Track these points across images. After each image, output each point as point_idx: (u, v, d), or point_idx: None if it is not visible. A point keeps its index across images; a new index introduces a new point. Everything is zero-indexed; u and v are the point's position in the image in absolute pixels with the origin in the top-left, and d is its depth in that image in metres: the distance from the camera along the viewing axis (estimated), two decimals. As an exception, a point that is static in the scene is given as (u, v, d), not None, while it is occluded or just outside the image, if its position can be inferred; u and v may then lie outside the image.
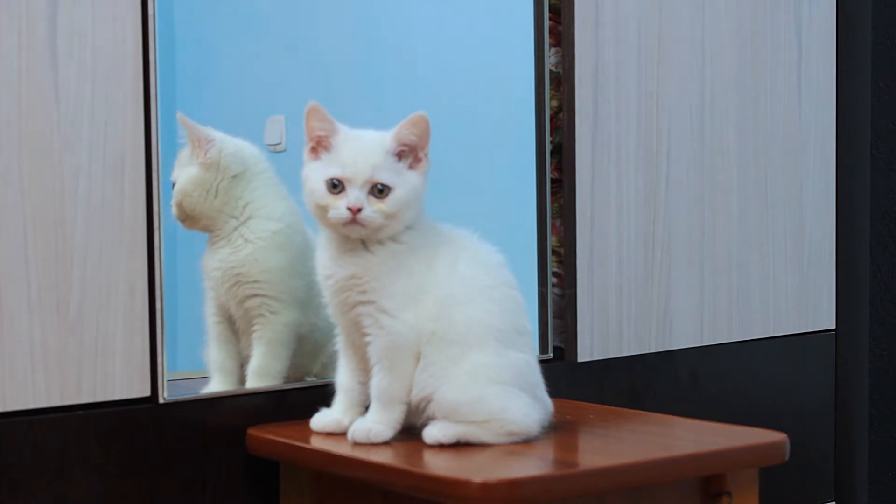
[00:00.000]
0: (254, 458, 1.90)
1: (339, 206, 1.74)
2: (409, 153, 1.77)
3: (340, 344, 1.84)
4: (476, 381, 1.74)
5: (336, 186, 1.75)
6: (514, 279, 1.83)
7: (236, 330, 2.01)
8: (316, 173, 1.76)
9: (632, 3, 2.27)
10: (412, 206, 1.76)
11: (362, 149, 1.76)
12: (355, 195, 1.74)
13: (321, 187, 1.76)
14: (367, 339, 1.77)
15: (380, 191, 1.75)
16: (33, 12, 1.74)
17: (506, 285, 1.82)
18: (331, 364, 1.98)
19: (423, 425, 1.77)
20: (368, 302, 1.76)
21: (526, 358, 1.80)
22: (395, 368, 1.76)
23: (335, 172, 1.75)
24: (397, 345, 1.76)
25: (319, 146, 1.77)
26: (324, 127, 1.77)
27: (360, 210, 1.73)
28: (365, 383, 1.80)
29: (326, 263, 1.80)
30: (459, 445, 1.75)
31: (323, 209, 1.76)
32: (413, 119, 1.77)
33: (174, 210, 1.95)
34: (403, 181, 1.76)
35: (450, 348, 1.75)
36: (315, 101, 1.78)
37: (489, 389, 1.75)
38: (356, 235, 1.76)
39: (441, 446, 1.74)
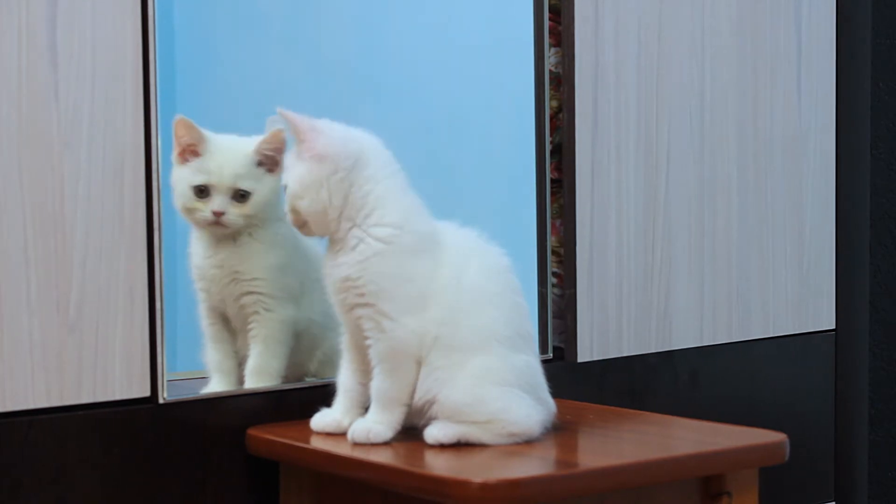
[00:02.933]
0: (254, 458, 1.90)
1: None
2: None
3: (344, 343, 1.84)
4: (479, 383, 1.74)
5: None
6: (518, 284, 1.84)
7: (232, 329, 2.01)
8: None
9: (632, 3, 2.27)
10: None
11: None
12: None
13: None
14: (368, 342, 1.77)
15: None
16: (33, 12, 1.74)
17: (512, 291, 1.82)
18: (328, 362, 1.98)
19: (425, 426, 1.77)
20: (367, 305, 1.76)
21: (528, 360, 1.80)
22: (396, 371, 1.76)
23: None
24: (398, 349, 1.76)
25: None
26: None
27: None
28: (366, 384, 1.80)
29: (323, 262, 1.81)
30: (460, 446, 1.75)
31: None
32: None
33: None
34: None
35: (454, 354, 1.75)
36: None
37: (491, 390, 1.75)
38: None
39: (441, 446, 1.74)
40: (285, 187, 1.80)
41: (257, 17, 2.10)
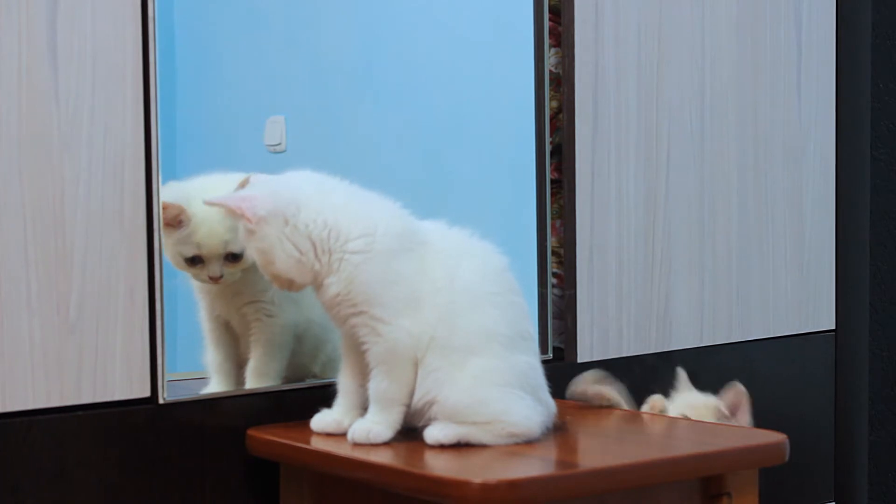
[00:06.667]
0: (254, 459, 1.90)
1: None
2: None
3: (342, 346, 1.84)
4: (479, 384, 1.75)
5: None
6: (517, 284, 1.83)
7: (233, 333, 2.01)
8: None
9: (632, 3, 2.27)
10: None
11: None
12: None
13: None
14: (364, 347, 1.77)
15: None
16: (33, 12, 1.74)
17: (510, 292, 1.82)
18: (331, 363, 1.98)
19: (425, 427, 1.77)
20: (361, 313, 1.77)
21: (529, 360, 1.80)
22: (394, 372, 1.76)
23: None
24: (395, 351, 1.76)
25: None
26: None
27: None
28: (365, 385, 1.80)
29: (312, 287, 1.82)
30: (460, 446, 1.75)
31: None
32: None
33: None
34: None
35: (453, 354, 1.75)
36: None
37: (492, 391, 1.75)
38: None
39: (441, 447, 1.74)
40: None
41: (257, 17, 2.10)
